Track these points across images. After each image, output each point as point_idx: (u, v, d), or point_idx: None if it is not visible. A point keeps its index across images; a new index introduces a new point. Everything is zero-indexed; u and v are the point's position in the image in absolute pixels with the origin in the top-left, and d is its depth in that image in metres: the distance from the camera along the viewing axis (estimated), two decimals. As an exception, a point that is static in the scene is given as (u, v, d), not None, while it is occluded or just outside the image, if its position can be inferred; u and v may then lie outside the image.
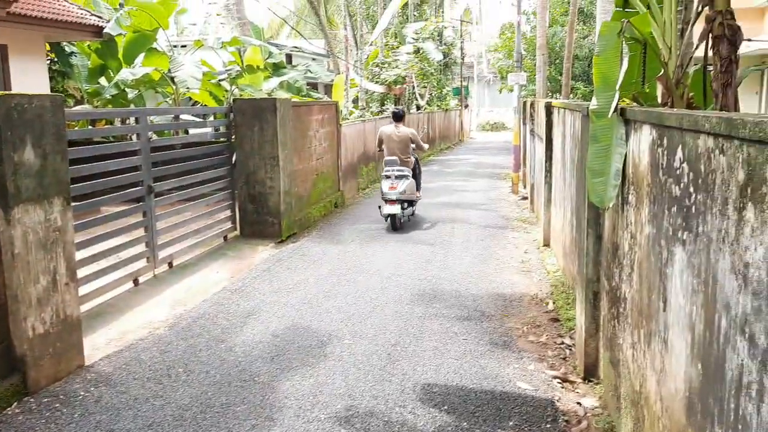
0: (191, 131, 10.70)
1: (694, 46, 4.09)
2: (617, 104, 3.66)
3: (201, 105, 15.42)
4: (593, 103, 3.86)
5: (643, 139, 3.29)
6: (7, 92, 4.79)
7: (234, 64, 16.00)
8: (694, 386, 2.46)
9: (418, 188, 11.05)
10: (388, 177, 10.34)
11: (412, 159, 10.97)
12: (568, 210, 6.80)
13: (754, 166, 1.89)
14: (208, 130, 10.09)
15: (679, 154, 2.64)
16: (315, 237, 9.98)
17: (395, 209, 10.12)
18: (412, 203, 10.78)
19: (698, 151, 2.40)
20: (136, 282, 7.15)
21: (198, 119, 11.20)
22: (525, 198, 13.44)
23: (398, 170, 10.40)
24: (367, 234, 10.04)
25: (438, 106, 28.66)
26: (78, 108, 13.39)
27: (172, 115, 12.15)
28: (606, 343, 4.43)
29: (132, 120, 14.22)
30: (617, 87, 3.62)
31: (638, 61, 4.21)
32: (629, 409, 3.62)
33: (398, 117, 11.01)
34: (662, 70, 4.02)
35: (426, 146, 11.70)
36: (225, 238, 9.43)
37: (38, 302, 4.76)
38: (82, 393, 4.61)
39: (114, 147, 7.48)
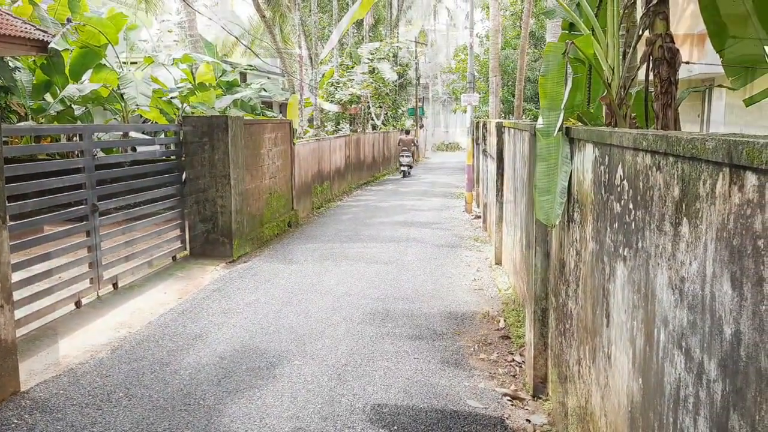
0: (139, 149, 10.43)
1: (637, 68, 4.20)
2: (562, 123, 3.73)
3: (151, 122, 15.12)
4: (539, 123, 3.92)
5: (586, 158, 3.35)
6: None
7: (186, 82, 15.77)
8: (636, 401, 2.48)
9: (414, 161, 25.28)
10: (402, 156, 23.31)
11: (412, 149, 24.51)
12: (518, 228, 6.88)
13: (688, 182, 1.93)
14: (157, 147, 9.88)
15: (620, 171, 2.69)
16: (267, 257, 9.83)
17: (406, 168, 23.18)
18: (411, 167, 23.81)
19: (637, 168, 2.44)
20: (78, 304, 6.89)
21: (147, 136, 10.95)
22: (478, 217, 13.58)
23: (407, 153, 23.39)
24: (321, 253, 9.96)
25: (393, 126, 28.84)
26: (21, 124, 12.96)
27: (120, 132, 11.84)
28: (554, 359, 4.46)
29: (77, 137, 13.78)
30: (562, 106, 3.68)
31: (584, 81, 4.31)
32: (576, 425, 3.64)
33: (407, 132, 25.87)
34: (605, 91, 4.12)
35: (419, 145, 29.66)
36: (174, 258, 9.20)
37: (-31, 326, 4.53)
38: (15, 420, 4.37)
39: (57, 164, 7.25)
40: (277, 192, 12.06)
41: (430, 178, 23.91)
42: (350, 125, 23.08)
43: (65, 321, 6.47)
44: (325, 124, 21.89)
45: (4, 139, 5.48)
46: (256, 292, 7.68)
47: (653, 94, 4.09)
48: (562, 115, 3.74)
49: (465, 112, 26.27)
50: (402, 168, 23.61)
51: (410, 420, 4.44)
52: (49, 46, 12.12)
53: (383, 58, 25.04)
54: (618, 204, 2.72)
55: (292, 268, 8.96)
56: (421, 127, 38.06)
